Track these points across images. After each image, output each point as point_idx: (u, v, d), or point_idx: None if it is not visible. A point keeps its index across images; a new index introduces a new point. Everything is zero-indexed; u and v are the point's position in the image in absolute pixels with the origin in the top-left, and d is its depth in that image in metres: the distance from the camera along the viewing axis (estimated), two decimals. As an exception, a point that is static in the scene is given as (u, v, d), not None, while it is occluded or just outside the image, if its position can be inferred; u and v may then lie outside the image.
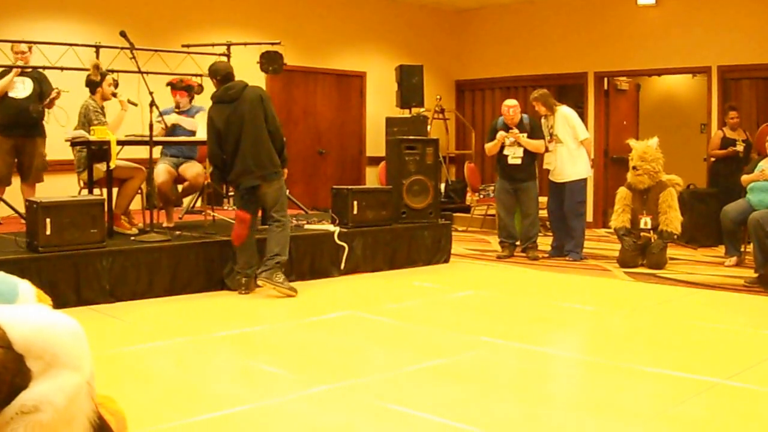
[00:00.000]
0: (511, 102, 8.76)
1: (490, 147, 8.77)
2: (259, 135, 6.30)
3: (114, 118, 7.04)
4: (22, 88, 7.30)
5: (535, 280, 7.50)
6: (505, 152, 8.60)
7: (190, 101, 7.71)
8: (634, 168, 8.11)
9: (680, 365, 4.41)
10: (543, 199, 9.06)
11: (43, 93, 7.37)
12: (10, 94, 7.25)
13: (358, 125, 12.32)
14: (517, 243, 8.83)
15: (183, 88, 7.65)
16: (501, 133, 8.60)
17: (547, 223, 9.24)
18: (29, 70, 7.46)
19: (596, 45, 11.77)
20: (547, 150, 8.60)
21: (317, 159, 11.78)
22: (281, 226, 6.41)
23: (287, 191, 6.64)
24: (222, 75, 6.46)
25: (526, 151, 8.54)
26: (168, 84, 7.69)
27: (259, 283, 6.36)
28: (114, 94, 7.02)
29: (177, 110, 7.59)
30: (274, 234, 6.40)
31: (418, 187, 8.27)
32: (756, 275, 7.03)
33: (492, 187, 10.67)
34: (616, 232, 8.26)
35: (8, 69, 7.31)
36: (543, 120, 8.73)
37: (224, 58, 8.53)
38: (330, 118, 11.93)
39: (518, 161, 8.54)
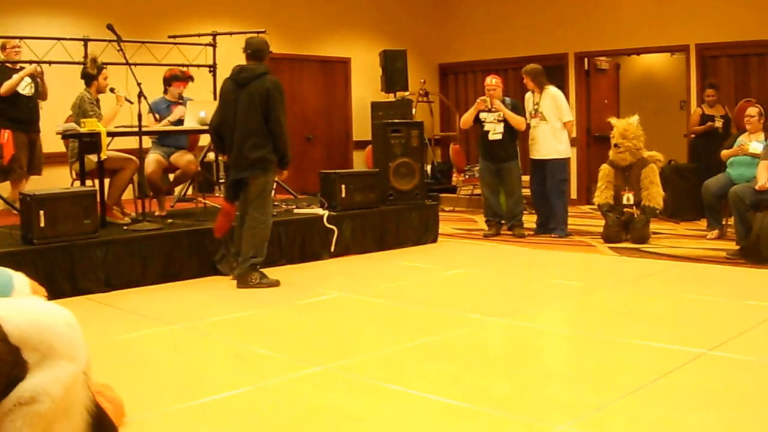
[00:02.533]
0: (495, 75, 8.92)
1: (466, 117, 8.84)
2: (251, 129, 6.02)
3: (108, 111, 7.12)
4: (28, 87, 7.34)
5: (522, 257, 7.57)
6: (486, 128, 8.65)
7: None
8: (615, 146, 8.18)
9: (665, 337, 4.46)
10: (526, 178, 9.14)
11: (39, 89, 7.47)
12: (21, 92, 7.29)
13: (344, 110, 12.40)
14: (503, 221, 8.91)
15: (187, 78, 7.80)
16: (480, 99, 8.69)
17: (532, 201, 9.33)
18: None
19: (576, 26, 11.86)
20: (528, 127, 8.69)
21: (305, 144, 11.85)
22: (256, 224, 6.14)
23: (271, 186, 6.32)
24: (250, 50, 6.26)
25: (506, 128, 8.58)
26: (171, 77, 7.75)
27: (237, 287, 6.18)
28: (112, 89, 7.08)
29: (180, 101, 7.68)
30: (248, 234, 6.16)
31: (405, 170, 8.35)
32: (738, 247, 7.11)
33: (477, 167, 10.76)
34: (600, 208, 8.34)
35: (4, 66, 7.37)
36: (528, 95, 8.80)
37: (210, 49, 8.62)
38: (316, 104, 12.00)
39: (499, 137, 8.58)
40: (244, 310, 5.51)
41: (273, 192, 6.30)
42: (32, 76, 7.50)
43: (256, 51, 6.24)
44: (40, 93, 7.67)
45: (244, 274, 6.16)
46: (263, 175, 6.14)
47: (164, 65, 8.24)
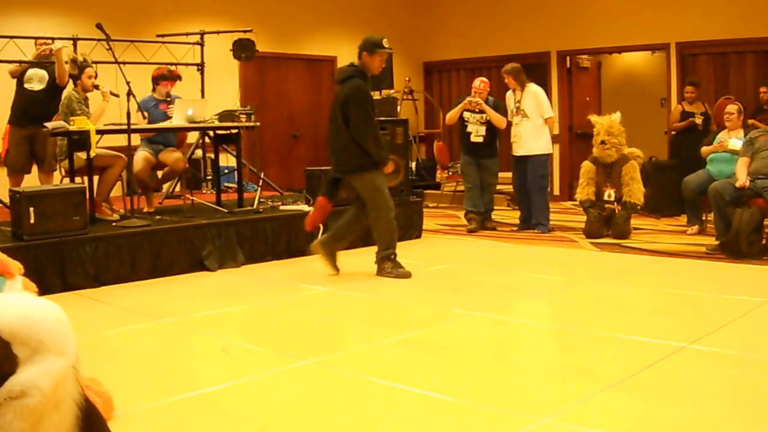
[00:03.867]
0: (483, 78, 9.06)
1: (451, 114, 8.98)
2: (334, 130, 6.39)
3: (96, 109, 7.16)
4: (38, 81, 7.23)
5: (505, 252, 7.64)
6: (468, 130, 8.80)
7: None
8: (602, 143, 8.24)
9: (646, 331, 4.51)
10: (505, 175, 9.23)
11: (57, 85, 7.27)
12: (26, 86, 7.19)
13: (329, 108, 12.42)
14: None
15: (175, 77, 7.85)
16: (467, 99, 8.83)
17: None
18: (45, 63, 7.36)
19: (558, 24, 11.96)
20: (510, 124, 8.81)
21: (291, 142, 11.91)
22: (375, 222, 6.40)
23: (378, 182, 6.33)
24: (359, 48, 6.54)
25: (488, 129, 8.74)
26: (159, 76, 7.79)
27: (376, 274, 6.44)
28: (96, 86, 7.13)
29: (168, 98, 7.74)
30: (374, 231, 6.48)
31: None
32: (717, 243, 7.19)
33: (460, 164, 10.86)
34: (582, 204, 8.43)
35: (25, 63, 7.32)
36: (509, 93, 8.90)
37: (198, 47, 8.67)
38: (302, 102, 12.06)
39: (480, 140, 8.76)
40: (231, 305, 5.57)
41: (383, 187, 6.38)
42: (45, 66, 7.27)
43: (360, 47, 6.54)
44: (58, 77, 7.23)
45: (380, 264, 6.44)
46: (360, 175, 6.34)
47: (153, 64, 8.29)
